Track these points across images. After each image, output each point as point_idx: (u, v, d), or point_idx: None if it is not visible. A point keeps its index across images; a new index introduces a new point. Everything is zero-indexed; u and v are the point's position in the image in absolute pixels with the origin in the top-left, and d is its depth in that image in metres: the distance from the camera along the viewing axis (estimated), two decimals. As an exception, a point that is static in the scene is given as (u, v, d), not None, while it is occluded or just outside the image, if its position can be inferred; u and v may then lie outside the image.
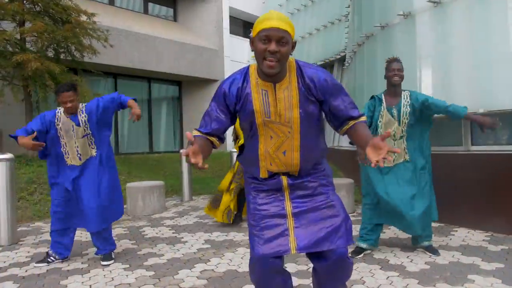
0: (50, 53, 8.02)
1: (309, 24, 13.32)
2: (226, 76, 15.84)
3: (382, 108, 3.43)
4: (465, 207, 4.40)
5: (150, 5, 14.35)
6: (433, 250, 3.46)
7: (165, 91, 14.79)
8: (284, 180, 1.93)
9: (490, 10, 4.16)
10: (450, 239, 3.95)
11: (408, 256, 3.47)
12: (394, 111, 3.42)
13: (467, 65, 4.31)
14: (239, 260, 3.50)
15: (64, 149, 3.51)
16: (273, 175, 1.94)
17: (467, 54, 4.32)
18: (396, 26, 5.17)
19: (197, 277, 3.12)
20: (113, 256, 3.62)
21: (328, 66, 12.37)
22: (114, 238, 4.39)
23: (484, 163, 4.30)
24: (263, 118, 1.84)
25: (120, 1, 13.42)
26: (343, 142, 9.17)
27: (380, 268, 3.18)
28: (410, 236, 3.79)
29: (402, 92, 3.46)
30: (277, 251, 1.83)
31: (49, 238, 3.75)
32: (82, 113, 3.55)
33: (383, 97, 3.49)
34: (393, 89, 3.44)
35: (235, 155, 7.33)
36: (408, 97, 3.44)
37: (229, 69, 15.34)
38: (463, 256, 3.41)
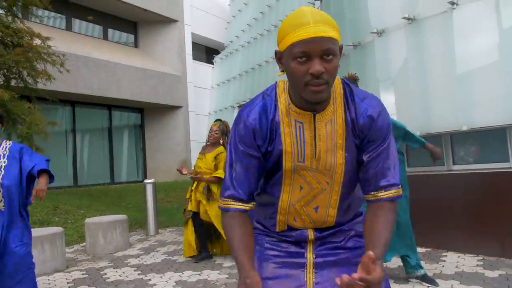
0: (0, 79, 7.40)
1: (272, 48, 13.30)
2: (190, 103, 15.42)
3: None
4: (452, 229, 4.20)
5: (110, 31, 13.92)
6: (429, 280, 3.20)
7: (127, 118, 14.22)
8: (310, 233, 1.35)
9: (462, 24, 4.10)
10: (443, 266, 3.70)
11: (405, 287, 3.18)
12: None
13: (446, 81, 4.20)
14: (217, 304, 3.08)
15: None
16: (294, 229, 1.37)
17: (445, 72, 4.22)
18: (369, 44, 5.05)
19: (170, 329, 2.67)
20: None
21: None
22: (70, 285, 3.86)
23: (466, 183, 4.15)
24: (295, 162, 1.26)
25: (78, 27, 12.91)
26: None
27: (378, 305, 2.85)
28: (401, 265, 3.53)
29: None
30: None
31: None
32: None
33: None
34: None
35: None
36: None
37: (193, 95, 15.05)
38: (462, 285, 3.15)
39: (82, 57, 10.98)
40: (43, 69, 7.73)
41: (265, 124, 1.25)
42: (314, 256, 1.34)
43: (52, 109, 10.88)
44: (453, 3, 4.07)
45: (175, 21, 14.60)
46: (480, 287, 3.07)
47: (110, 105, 13.18)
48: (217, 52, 17.50)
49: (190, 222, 4.58)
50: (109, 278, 4.07)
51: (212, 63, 17.26)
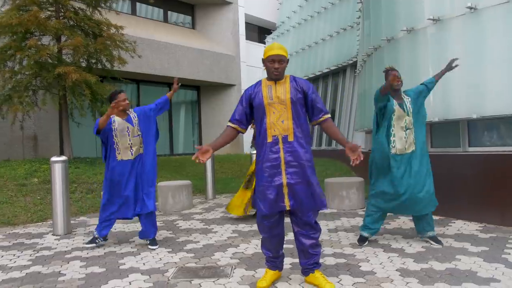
0: (83, 64, 8.78)
1: (322, 30, 13.88)
2: (242, 81, 16.47)
3: (394, 104, 4.00)
4: (463, 201, 4.95)
5: (170, 13, 15.11)
6: (437, 240, 3.95)
7: (184, 95, 15.54)
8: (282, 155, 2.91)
9: (483, 28, 4.70)
10: (447, 229, 4.52)
11: (407, 242, 4.06)
12: (403, 106, 4.01)
13: (462, 76, 4.86)
14: (263, 245, 4.13)
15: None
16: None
17: (463, 65, 4.87)
18: (401, 40, 5.74)
19: (230, 257, 3.77)
20: (157, 242, 4.30)
21: (341, 70, 12.93)
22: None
23: (479, 163, 4.85)
24: (268, 100, 2.91)
25: (141, 11, 14.20)
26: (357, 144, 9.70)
27: (383, 251, 3.78)
28: (413, 226, 4.39)
29: (401, 93, 4.08)
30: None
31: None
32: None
33: (391, 97, 4.06)
34: (395, 93, 4.04)
35: (254, 157, 7.98)
36: (406, 95, 4.07)
37: (246, 74, 16.00)
38: (455, 242, 3.98)
39: (146, 40, 12.24)
40: (119, 54, 9.05)
41: (255, 89, 3.00)
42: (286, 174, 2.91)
43: (121, 87, 12.31)
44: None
45: (230, 2, 15.46)
46: (468, 243, 3.89)
47: (170, 83, 14.50)
48: (269, 32, 18.28)
49: (250, 185, 5.46)
50: (181, 226, 5.28)
51: (264, 43, 18.07)
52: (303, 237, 2.95)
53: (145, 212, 4.23)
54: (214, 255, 3.88)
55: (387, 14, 6.29)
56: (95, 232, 4.36)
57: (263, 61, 2.97)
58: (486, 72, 4.67)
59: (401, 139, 3.97)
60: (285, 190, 2.85)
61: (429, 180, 3.95)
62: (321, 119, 2.97)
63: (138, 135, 4.34)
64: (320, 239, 4.16)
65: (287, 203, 2.85)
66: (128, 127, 4.28)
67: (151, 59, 12.41)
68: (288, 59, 2.96)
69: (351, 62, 11.92)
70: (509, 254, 3.53)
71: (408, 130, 4.00)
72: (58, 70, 7.60)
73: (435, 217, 4.95)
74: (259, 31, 18.64)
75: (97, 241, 4.33)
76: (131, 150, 4.27)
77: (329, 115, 2.98)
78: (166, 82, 14.23)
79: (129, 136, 4.27)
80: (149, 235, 4.31)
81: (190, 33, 15.32)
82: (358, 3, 9.94)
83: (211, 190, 7.98)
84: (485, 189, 4.74)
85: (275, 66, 2.88)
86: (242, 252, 3.92)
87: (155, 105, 4.53)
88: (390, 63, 5.91)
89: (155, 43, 12.66)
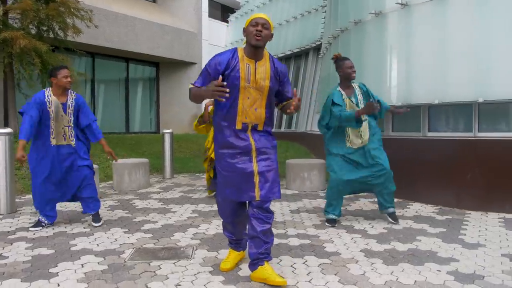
0: (32, 31, 8.12)
1: (286, 11, 13.73)
2: (203, 59, 15.99)
3: (345, 98, 3.97)
4: (420, 185, 5.07)
5: (129, -15, 14.33)
6: (395, 218, 4.04)
7: (143, 71, 14.93)
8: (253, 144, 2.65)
9: (449, 13, 4.75)
10: (406, 211, 4.61)
11: (369, 223, 4.09)
12: (353, 99, 3.99)
13: (428, 61, 4.91)
14: (225, 226, 4.02)
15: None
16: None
17: (429, 51, 4.92)
18: (368, 23, 5.71)
19: (190, 238, 3.61)
20: (100, 217, 4.13)
21: (303, 53, 12.88)
22: (108, 209, 4.83)
23: (437, 148, 4.96)
24: (245, 83, 2.58)
25: (98, -21, 13.35)
26: (315, 127, 9.76)
27: (346, 232, 3.77)
28: (374, 208, 4.44)
29: (352, 84, 4.05)
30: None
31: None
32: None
33: (340, 90, 4.03)
34: (347, 83, 4.02)
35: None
36: (358, 87, 4.05)
37: (207, 52, 15.56)
38: (414, 223, 4.06)
39: (102, 10, 11.52)
40: (73, 23, 8.44)
41: (225, 59, 2.59)
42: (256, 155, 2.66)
43: (73, 59, 11.61)
44: (440, -8, 4.70)
45: (193, -22, 14.90)
46: (427, 225, 3.97)
47: (127, 58, 13.87)
48: (232, 10, 17.87)
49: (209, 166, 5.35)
50: (137, 206, 5.04)
51: (227, 22, 17.67)
52: (257, 221, 2.62)
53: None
54: (173, 235, 3.70)
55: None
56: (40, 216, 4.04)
57: (244, 30, 2.64)
58: (449, 60, 4.74)
59: (356, 135, 3.96)
60: (256, 179, 2.59)
61: (384, 155, 4.00)
62: (285, 102, 2.83)
63: (69, 126, 3.98)
64: (282, 221, 4.14)
65: (257, 193, 2.58)
66: (62, 114, 3.94)
67: (108, 31, 11.74)
68: (272, 34, 2.65)
69: (315, 45, 11.89)
70: (465, 235, 3.63)
71: (363, 123, 3.96)
72: (3, 34, 6.95)
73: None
74: (222, 10, 18.16)
75: (43, 224, 4.02)
76: (64, 136, 3.94)
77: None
78: (123, 57, 13.58)
79: (62, 121, 3.94)
80: (91, 211, 4.09)
81: (151, 6, 14.65)
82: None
83: (169, 169, 7.74)
84: (442, 173, 4.86)
85: (258, 28, 2.54)
86: (203, 233, 3.78)
87: (85, 125, 4.09)
88: (356, 46, 5.92)
89: (112, 14, 11.96)
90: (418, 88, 5.04)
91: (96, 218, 4.10)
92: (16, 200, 5.19)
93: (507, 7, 4.37)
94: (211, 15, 16.35)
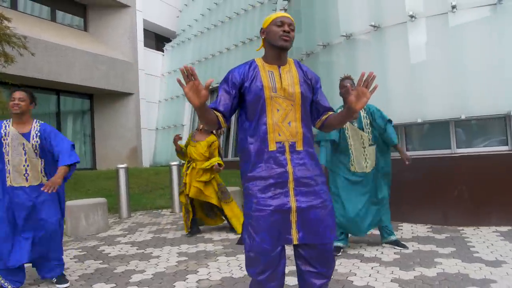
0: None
1: (226, 39, 13.70)
2: (140, 90, 15.30)
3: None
4: (406, 205, 5.05)
5: (58, 12, 13.40)
6: (401, 244, 3.90)
7: (75, 104, 13.86)
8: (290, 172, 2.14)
9: (419, 36, 4.91)
10: (402, 232, 4.52)
11: (377, 250, 3.91)
12: (355, 123, 3.82)
13: (405, 83, 5.00)
14: (227, 267, 3.58)
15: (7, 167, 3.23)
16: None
17: (406, 74, 5.02)
18: (338, 45, 5.75)
19: (196, 287, 3.13)
20: (66, 278, 3.44)
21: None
22: (75, 260, 4.14)
23: (419, 166, 5.00)
24: (271, 93, 2.15)
25: (24, 5, 12.31)
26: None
27: (360, 261, 3.54)
28: (375, 233, 4.29)
29: None
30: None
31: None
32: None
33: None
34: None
35: (174, 169, 7.29)
36: (363, 110, 3.87)
37: (144, 82, 14.95)
38: (420, 245, 3.95)
39: (32, 39, 10.52)
40: (2, 50, 7.52)
41: (241, 72, 2.19)
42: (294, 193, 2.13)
43: (4, 92, 10.42)
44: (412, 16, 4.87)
45: (127, 6, 14.37)
46: (433, 245, 3.90)
47: (58, 90, 12.78)
48: (167, 40, 17.46)
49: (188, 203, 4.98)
50: (110, 253, 4.37)
51: (163, 51, 17.21)
52: (312, 276, 2.18)
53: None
54: (174, 285, 3.19)
55: (306, 28, 6.32)
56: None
57: (263, 31, 2.23)
58: (427, 81, 4.87)
59: (359, 159, 3.79)
60: (293, 218, 2.10)
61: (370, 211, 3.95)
62: (325, 116, 2.30)
63: (37, 161, 3.28)
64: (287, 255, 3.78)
65: (294, 236, 2.10)
66: (24, 143, 3.26)
67: (38, 60, 10.72)
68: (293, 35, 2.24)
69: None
70: (478, 252, 3.59)
71: (368, 147, 3.81)
72: None
73: (382, 222, 4.95)
74: (156, 39, 17.66)
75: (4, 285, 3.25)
76: (26, 175, 3.24)
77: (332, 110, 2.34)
78: (54, 89, 12.49)
79: (24, 155, 3.25)
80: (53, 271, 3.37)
81: (82, 35, 13.78)
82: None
83: (126, 208, 7.02)
84: (427, 192, 4.89)
85: (285, 29, 2.14)
86: (207, 279, 3.31)
87: (56, 154, 3.32)
88: (324, 70, 5.89)
89: (41, 43, 10.99)
90: (396, 108, 5.09)
91: (62, 279, 3.38)
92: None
93: (477, 25, 4.62)
94: (146, 45, 15.83)
